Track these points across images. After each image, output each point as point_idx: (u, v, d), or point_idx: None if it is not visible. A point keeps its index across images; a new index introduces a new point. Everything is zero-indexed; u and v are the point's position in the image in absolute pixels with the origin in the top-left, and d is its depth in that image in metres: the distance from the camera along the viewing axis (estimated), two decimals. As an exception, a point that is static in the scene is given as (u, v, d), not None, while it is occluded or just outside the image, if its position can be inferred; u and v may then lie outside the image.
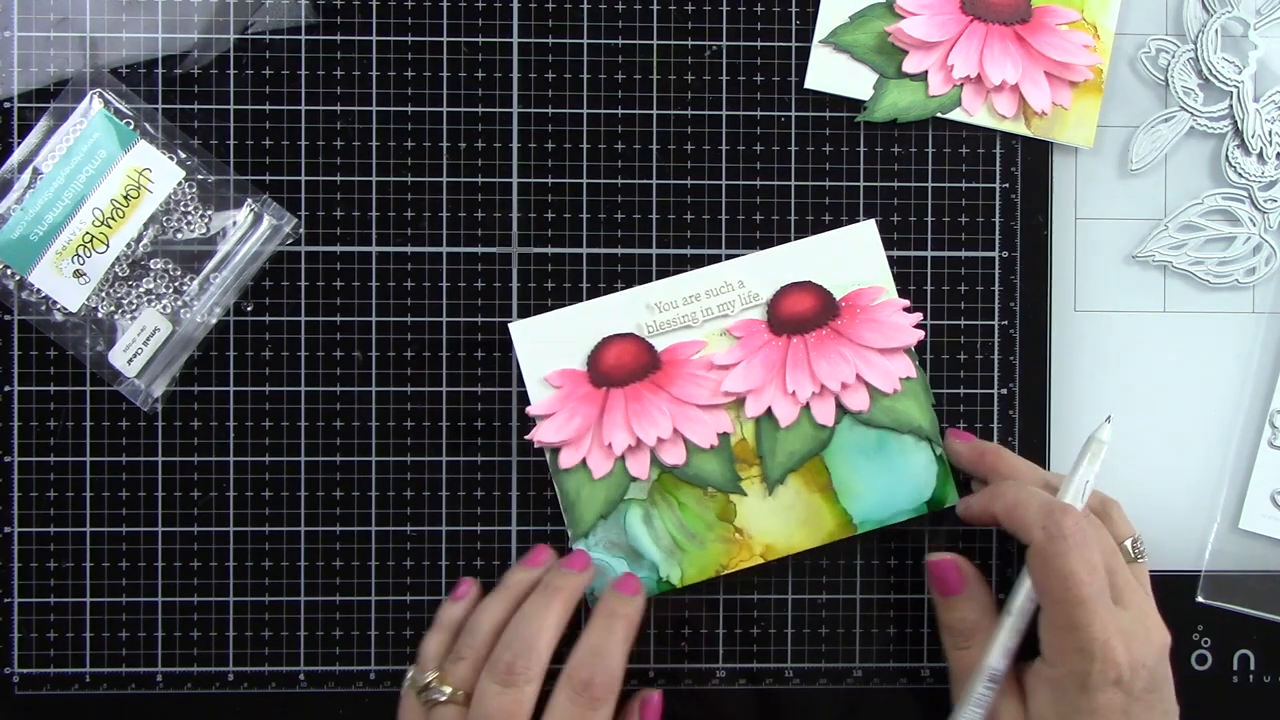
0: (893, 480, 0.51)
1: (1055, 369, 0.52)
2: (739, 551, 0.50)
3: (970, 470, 0.50)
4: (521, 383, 0.50)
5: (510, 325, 0.50)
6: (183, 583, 0.50)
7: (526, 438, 0.50)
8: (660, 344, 0.50)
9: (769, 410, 0.50)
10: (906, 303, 0.51)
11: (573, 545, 0.50)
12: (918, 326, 0.51)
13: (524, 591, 0.48)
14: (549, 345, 0.50)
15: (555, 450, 0.50)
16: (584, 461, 0.50)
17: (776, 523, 0.50)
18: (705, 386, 0.50)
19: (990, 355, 0.51)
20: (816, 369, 0.50)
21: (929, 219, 0.51)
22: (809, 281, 0.51)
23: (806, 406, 0.50)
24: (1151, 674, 0.42)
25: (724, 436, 0.50)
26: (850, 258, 0.51)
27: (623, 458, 0.50)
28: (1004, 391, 0.51)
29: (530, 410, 0.50)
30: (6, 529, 0.50)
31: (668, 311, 0.50)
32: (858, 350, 0.50)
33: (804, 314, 0.50)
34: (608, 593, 0.48)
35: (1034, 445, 0.51)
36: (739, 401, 0.50)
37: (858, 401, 0.50)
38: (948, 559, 0.48)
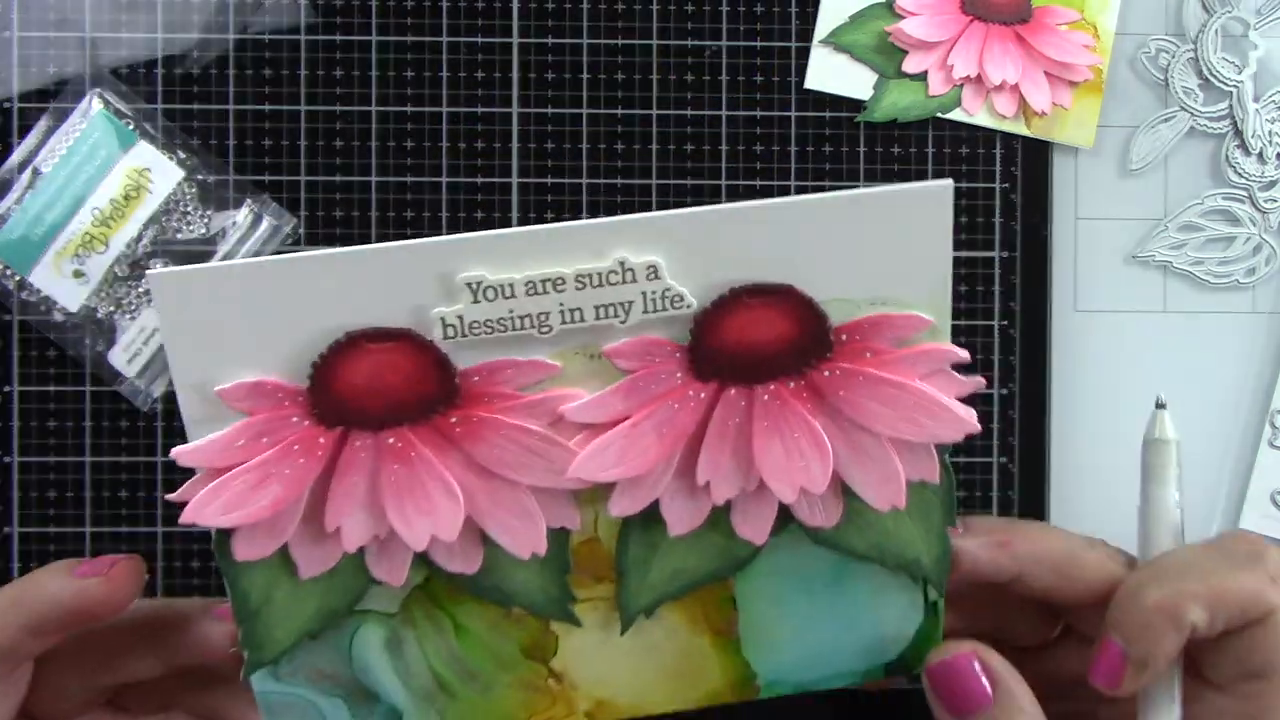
0: (841, 631, 0.33)
1: (1055, 369, 0.52)
2: (549, 706, 0.32)
3: (983, 579, 0.34)
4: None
5: (149, 273, 0.29)
6: (183, 583, 0.50)
7: (169, 498, 0.30)
8: (465, 359, 0.29)
9: (654, 506, 0.30)
10: (964, 354, 0.30)
11: (245, 677, 0.31)
12: (970, 401, 0.30)
13: None
14: (236, 329, 0.28)
15: (225, 532, 0.29)
16: (285, 550, 0.30)
17: (623, 670, 0.32)
18: (541, 454, 0.29)
19: (990, 355, 0.51)
20: (763, 452, 0.29)
21: (929, 219, 0.51)
22: (787, 287, 0.29)
23: (726, 506, 0.31)
24: None
25: (559, 535, 0.31)
26: (884, 253, 0.29)
27: (361, 551, 0.30)
28: (1004, 392, 0.51)
29: (178, 455, 0.29)
30: (6, 529, 0.50)
31: (494, 302, 0.28)
32: (850, 430, 0.30)
33: (765, 348, 0.29)
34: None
35: (1034, 447, 0.51)
36: (603, 486, 0.30)
37: (823, 513, 0.31)
38: (963, 655, 0.31)
